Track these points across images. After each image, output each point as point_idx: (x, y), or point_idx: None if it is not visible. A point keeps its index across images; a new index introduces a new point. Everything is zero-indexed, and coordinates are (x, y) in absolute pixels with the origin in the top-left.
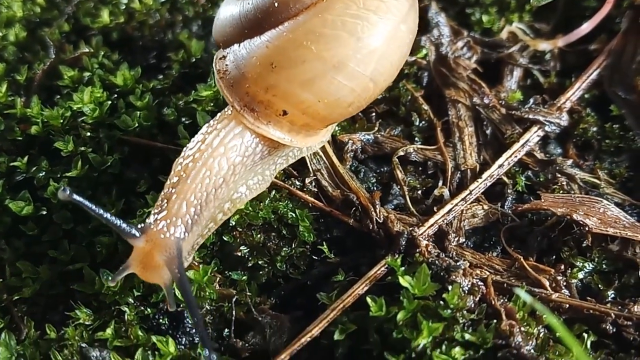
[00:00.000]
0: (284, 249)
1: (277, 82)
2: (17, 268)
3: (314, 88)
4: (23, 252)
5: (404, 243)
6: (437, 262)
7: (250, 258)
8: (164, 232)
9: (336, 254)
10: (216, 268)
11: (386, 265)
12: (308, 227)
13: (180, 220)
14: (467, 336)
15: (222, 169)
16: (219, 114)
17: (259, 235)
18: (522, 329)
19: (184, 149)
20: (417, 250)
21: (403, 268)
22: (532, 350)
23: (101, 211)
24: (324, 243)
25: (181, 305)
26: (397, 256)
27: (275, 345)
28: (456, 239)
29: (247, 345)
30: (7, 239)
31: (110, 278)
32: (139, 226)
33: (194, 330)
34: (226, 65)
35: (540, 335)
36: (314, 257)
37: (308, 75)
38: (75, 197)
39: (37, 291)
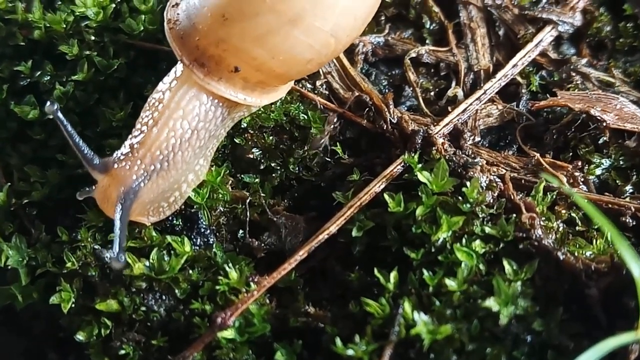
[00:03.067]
0: (297, 151)
1: (228, 35)
2: (25, 173)
3: (268, 44)
4: (30, 157)
5: (419, 141)
6: (454, 158)
7: (262, 160)
8: (126, 169)
9: (350, 155)
10: (228, 171)
11: (402, 163)
12: (320, 128)
13: (143, 166)
14: (487, 230)
15: (185, 132)
16: (172, 72)
17: (270, 138)
18: (542, 223)
19: (149, 98)
20: (434, 148)
21: (420, 165)
22: (553, 244)
23: (76, 137)
24: (337, 144)
25: (195, 207)
26: (413, 154)
27: (291, 245)
28: (472, 138)
29: (262, 245)
30: (13, 144)
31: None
32: (105, 160)
33: (208, 232)
34: (177, 14)
35: (560, 229)
36: (327, 158)
37: (261, 30)
38: (60, 115)
39: (47, 195)
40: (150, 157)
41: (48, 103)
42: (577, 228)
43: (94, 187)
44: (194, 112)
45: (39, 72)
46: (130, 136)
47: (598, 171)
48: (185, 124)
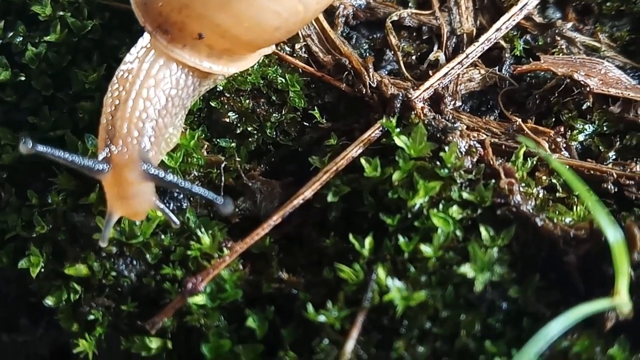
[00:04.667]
0: (274, 115)
1: (191, 1)
2: None
3: (232, 10)
4: (1, 119)
5: (398, 105)
6: (433, 123)
7: (238, 124)
8: (124, 151)
9: (328, 120)
10: (203, 135)
11: (380, 128)
12: (298, 92)
13: (136, 139)
14: (465, 195)
15: (160, 99)
16: (139, 42)
17: (247, 101)
18: (521, 189)
19: (117, 71)
20: (413, 112)
21: (398, 129)
22: (531, 210)
23: (67, 155)
24: (315, 108)
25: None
26: (392, 118)
27: (266, 210)
28: (452, 103)
29: (237, 210)
30: None
31: (99, 226)
32: (100, 158)
33: (181, 196)
34: None
35: (540, 195)
36: (305, 123)
37: None
38: (40, 148)
39: (17, 158)
40: (136, 130)
41: (21, 142)
42: (557, 195)
43: (107, 214)
44: (165, 80)
45: (11, 33)
46: (104, 116)
47: (581, 137)
48: (159, 91)
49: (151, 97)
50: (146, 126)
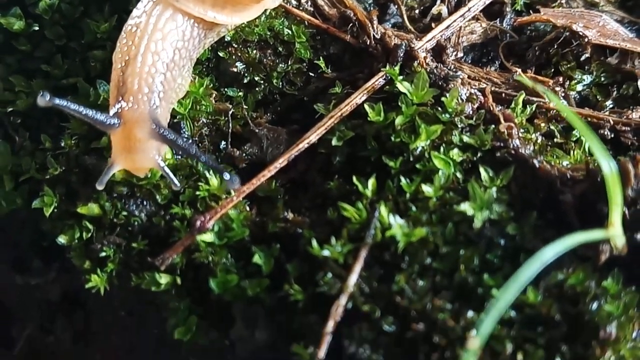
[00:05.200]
0: (280, 65)
1: None
2: (10, 83)
3: None
4: (16, 68)
5: (401, 55)
6: (435, 71)
7: (246, 74)
8: (135, 108)
9: (333, 70)
10: (212, 84)
11: (384, 77)
12: (304, 43)
13: (146, 96)
14: (465, 139)
15: (168, 53)
16: None
17: (254, 52)
18: (520, 134)
19: (125, 26)
20: (416, 61)
21: (401, 77)
22: (530, 153)
23: (81, 108)
24: (321, 59)
25: (177, 117)
26: (395, 67)
27: (272, 156)
28: (454, 54)
29: (244, 155)
30: None
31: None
32: (112, 112)
33: (190, 141)
34: None
35: (538, 141)
36: (311, 73)
37: None
38: (57, 101)
39: (31, 105)
40: (146, 85)
41: (39, 95)
42: (555, 140)
43: (109, 163)
44: (172, 33)
45: None
46: (114, 73)
47: (579, 87)
48: (167, 44)
49: (159, 50)
50: (156, 81)
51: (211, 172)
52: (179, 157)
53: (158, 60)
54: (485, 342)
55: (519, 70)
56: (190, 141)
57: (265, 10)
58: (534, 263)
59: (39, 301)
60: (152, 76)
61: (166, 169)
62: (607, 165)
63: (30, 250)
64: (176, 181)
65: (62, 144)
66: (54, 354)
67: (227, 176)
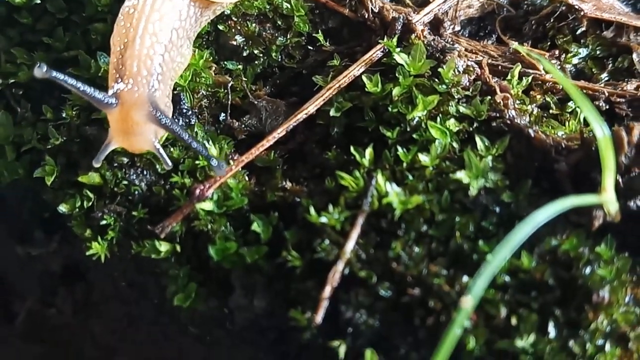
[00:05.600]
0: (279, 39)
1: None
2: (11, 55)
3: None
4: (18, 41)
5: (399, 28)
6: (432, 43)
7: (245, 48)
8: (134, 90)
9: (331, 43)
10: (211, 57)
11: (382, 49)
12: (303, 17)
13: (145, 78)
14: (461, 109)
15: (166, 34)
16: None
17: (253, 25)
18: (516, 105)
19: (122, 7)
20: (413, 34)
21: (399, 49)
22: (526, 123)
23: (79, 84)
24: (320, 32)
25: (177, 89)
26: (392, 39)
27: (271, 127)
28: (451, 27)
29: (243, 126)
30: (1, 29)
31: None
32: (110, 93)
33: (190, 113)
34: None
35: (534, 112)
36: (309, 47)
37: None
38: (54, 73)
39: (33, 76)
40: (145, 68)
41: (36, 66)
42: (551, 111)
43: (107, 141)
44: (169, 13)
45: None
46: (113, 55)
47: (575, 60)
48: (164, 25)
49: (157, 31)
50: (154, 63)
51: (210, 142)
52: None
53: (156, 42)
54: (478, 304)
55: (516, 43)
56: (183, 125)
57: None
58: (526, 226)
59: (40, 273)
60: (151, 58)
61: (161, 150)
62: (601, 130)
63: (31, 221)
64: (168, 162)
65: (64, 115)
66: (55, 327)
67: (214, 162)
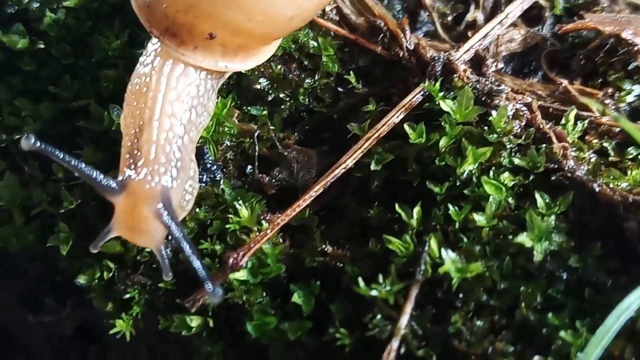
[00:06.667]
0: (307, 80)
1: (197, 0)
2: (15, 107)
3: (242, 4)
4: (20, 89)
5: (439, 69)
6: (477, 86)
7: (270, 91)
8: (148, 180)
9: (364, 85)
10: (234, 103)
11: (422, 93)
12: (332, 56)
13: (163, 167)
14: (516, 161)
15: (184, 113)
16: (148, 49)
17: (278, 67)
18: (574, 153)
19: (130, 85)
20: (455, 75)
21: (441, 93)
22: (586, 175)
23: (74, 161)
24: (351, 73)
25: (200, 141)
26: (433, 82)
27: (304, 180)
28: (494, 64)
29: (273, 181)
30: (1, 77)
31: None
32: (119, 178)
33: (214, 167)
34: None
35: (592, 160)
36: (339, 89)
37: None
38: (44, 146)
39: (39, 130)
40: (163, 154)
41: (23, 138)
42: (609, 159)
43: (109, 228)
44: (186, 91)
45: None
46: (127, 137)
47: (629, 98)
48: (182, 105)
49: (176, 112)
50: (173, 147)
51: (240, 202)
52: (203, 185)
53: (176, 123)
54: None
55: (565, 81)
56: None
57: None
58: (620, 312)
59: (49, 336)
60: (170, 142)
61: (165, 258)
62: None
63: (41, 286)
64: (170, 273)
65: (76, 174)
66: None
67: (209, 287)
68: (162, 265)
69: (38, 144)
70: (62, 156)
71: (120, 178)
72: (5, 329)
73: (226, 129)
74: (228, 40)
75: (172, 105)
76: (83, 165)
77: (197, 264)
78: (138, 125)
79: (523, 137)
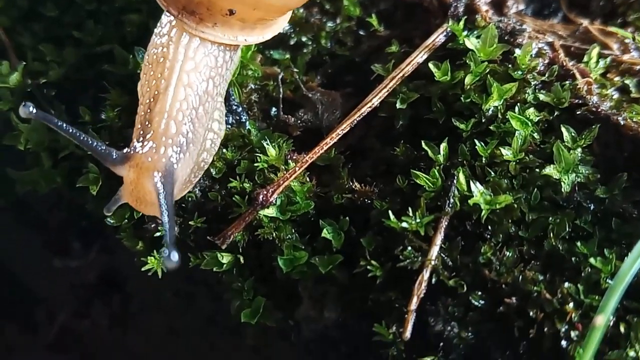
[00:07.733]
0: (328, 24)
1: None
2: (39, 52)
3: None
4: (43, 36)
5: (462, 9)
6: (500, 25)
7: (292, 35)
8: (152, 154)
9: (385, 28)
10: (256, 47)
11: (444, 33)
12: (353, 0)
13: (171, 140)
14: (541, 97)
15: (201, 84)
16: (163, 20)
17: (300, 11)
18: (597, 90)
19: (147, 55)
20: (477, 15)
21: (465, 32)
22: (610, 110)
23: (74, 131)
24: (373, 16)
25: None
26: (456, 22)
27: (328, 122)
28: (515, 6)
29: (298, 122)
30: (24, 24)
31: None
32: (124, 151)
33: (240, 109)
34: None
35: (614, 97)
36: (361, 32)
37: None
38: (42, 115)
39: (64, 75)
40: (174, 125)
41: (21, 106)
42: (631, 95)
43: (119, 194)
44: (204, 61)
45: None
46: (141, 107)
47: None
48: (199, 75)
49: (192, 83)
50: (185, 119)
51: (267, 141)
52: (229, 126)
53: (191, 94)
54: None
55: (586, 22)
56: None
57: None
58: None
59: (72, 285)
60: (183, 113)
61: (171, 228)
62: None
63: (67, 231)
64: (176, 256)
65: (103, 117)
66: (90, 340)
67: (165, 252)
68: (165, 237)
69: (36, 112)
70: (63, 125)
71: (125, 150)
72: (23, 284)
73: (250, 72)
74: (248, 14)
75: (188, 75)
76: (84, 135)
77: (167, 226)
78: (153, 95)
79: (547, 74)
